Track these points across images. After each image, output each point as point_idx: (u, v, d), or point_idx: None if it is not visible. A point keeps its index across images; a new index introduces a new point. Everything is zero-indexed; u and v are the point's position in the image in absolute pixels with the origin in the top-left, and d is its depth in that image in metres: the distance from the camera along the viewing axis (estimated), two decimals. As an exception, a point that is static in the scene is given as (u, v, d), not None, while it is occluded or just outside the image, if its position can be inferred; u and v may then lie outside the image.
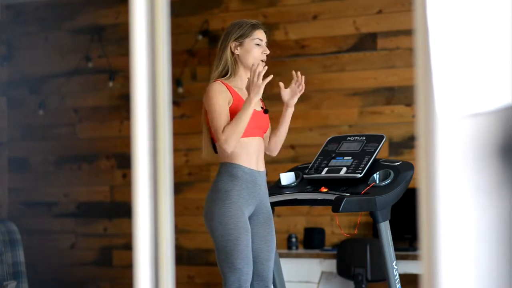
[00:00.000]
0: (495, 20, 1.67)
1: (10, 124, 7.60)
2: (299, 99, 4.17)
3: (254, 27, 4.08)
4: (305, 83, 4.15)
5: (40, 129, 7.48)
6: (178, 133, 6.87)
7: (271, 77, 3.94)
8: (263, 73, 3.92)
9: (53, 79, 7.43)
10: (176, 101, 6.94)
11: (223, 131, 3.91)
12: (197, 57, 6.94)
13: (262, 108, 4.13)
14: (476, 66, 1.67)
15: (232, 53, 4.07)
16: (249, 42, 4.06)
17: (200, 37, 6.90)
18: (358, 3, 6.42)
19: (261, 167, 4.06)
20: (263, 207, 4.06)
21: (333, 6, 6.50)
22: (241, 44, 4.06)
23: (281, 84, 4.12)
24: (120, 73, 7.19)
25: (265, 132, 4.14)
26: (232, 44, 4.06)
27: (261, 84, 3.90)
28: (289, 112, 4.16)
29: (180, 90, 6.93)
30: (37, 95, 7.48)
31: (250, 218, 4.02)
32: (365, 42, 6.40)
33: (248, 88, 3.93)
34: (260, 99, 4.21)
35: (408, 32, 6.24)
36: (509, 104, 1.65)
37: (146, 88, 1.67)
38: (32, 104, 7.47)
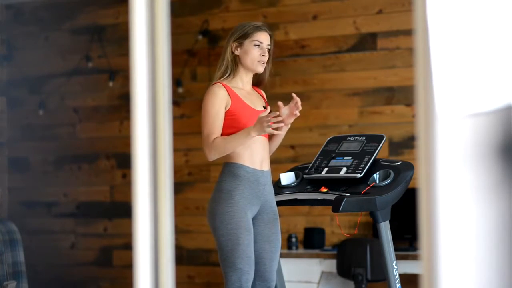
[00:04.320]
0: (495, 20, 1.67)
1: (10, 124, 7.60)
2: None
3: (256, 29, 4.09)
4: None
5: (40, 129, 7.48)
6: (178, 133, 6.87)
7: (279, 132, 3.93)
8: (275, 126, 3.86)
9: (53, 79, 7.43)
10: (176, 101, 6.94)
11: (213, 140, 3.94)
12: (197, 57, 6.94)
13: (264, 107, 4.13)
14: (476, 66, 1.67)
15: (233, 53, 4.08)
16: (248, 44, 4.07)
17: (200, 37, 6.90)
18: (358, 3, 6.42)
19: (265, 166, 4.06)
20: (267, 207, 4.06)
21: (333, 6, 6.50)
22: (241, 45, 4.07)
23: (280, 103, 4.07)
24: (120, 73, 7.19)
25: None
26: (233, 45, 4.07)
27: (267, 131, 3.87)
28: (284, 129, 4.13)
29: (180, 90, 6.93)
30: (37, 95, 7.48)
31: (254, 218, 4.03)
32: (365, 42, 6.40)
33: (256, 123, 3.89)
34: (264, 98, 4.21)
35: (408, 32, 6.24)
36: (509, 104, 1.65)
37: (146, 88, 1.67)
38: (32, 104, 7.47)
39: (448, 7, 1.64)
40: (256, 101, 4.12)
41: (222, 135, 4.00)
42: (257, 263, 4.03)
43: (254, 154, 4.01)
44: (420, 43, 1.61)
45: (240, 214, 3.94)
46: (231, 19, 6.78)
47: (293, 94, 4.09)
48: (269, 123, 3.83)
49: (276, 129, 3.92)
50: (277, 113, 3.88)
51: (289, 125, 4.12)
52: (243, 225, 3.93)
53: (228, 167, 4.01)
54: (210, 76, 6.76)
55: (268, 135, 4.12)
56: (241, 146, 3.95)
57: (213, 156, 3.97)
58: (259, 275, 4.05)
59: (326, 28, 6.52)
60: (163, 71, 1.67)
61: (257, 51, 4.07)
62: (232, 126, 4.00)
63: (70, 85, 7.38)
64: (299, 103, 4.08)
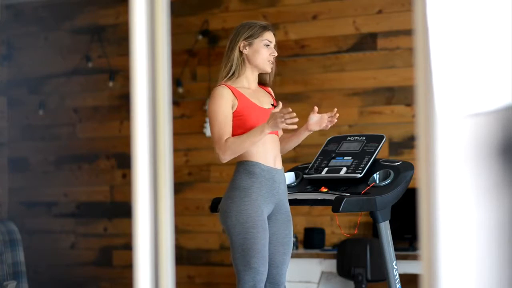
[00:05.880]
0: (495, 21, 1.67)
1: (10, 124, 7.60)
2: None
3: (264, 28, 4.08)
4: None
5: (40, 129, 7.48)
6: (178, 133, 6.87)
7: (294, 127, 3.84)
8: (289, 122, 3.80)
9: (53, 79, 7.43)
10: (176, 101, 6.94)
11: (226, 140, 3.89)
12: (197, 57, 6.94)
13: (272, 105, 4.11)
14: (476, 66, 1.67)
15: (241, 52, 4.05)
16: (258, 43, 4.05)
17: (200, 37, 6.90)
18: (358, 3, 6.42)
19: (278, 164, 4.02)
20: (282, 207, 4.03)
21: (333, 6, 6.50)
22: (250, 44, 4.04)
23: (316, 108, 4.09)
24: (120, 73, 7.19)
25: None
26: (241, 44, 4.04)
27: (281, 127, 3.82)
28: (306, 134, 4.12)
29: (180, 90, 6.93)
30: (37, 95, 7.48)
31: (269, 217, 3.98)
32: (365, 42, 6.40)
33: (269, 119, 3.85)
34: (271, 96, 4.19)
35: (408, 32, 6.24)
36: (509, 104, 1.65)
37: (146, 88, 1.67)
38: (32, 104, 7.47)
39: (448, 7, 1.64)
40: (263, 99, 4.09)
41: (231, 135, 3.97)
42: (269, 265, 3.98)
43: (267, 151, 3.98)
44: (420, 43, 1.61)
45: (257, 212, 3.88)
46: (231, 19, 6.78)
47: (335, 109, 4.10)
48: (283, 119, 3.79)
49: (291, 125, 3.82)
50: (290, 109, 3.82)
51: (311, 131, 4.12)
52: (260, 224, 3.87)
53: (243, 165, 3.96)
54: (210, 76, 6.77)
55: (278, 132, 4.10)
56: (255, 144, 3.90)
57: (227, 157, 3.90)
58: (271, 278, 4.00)
59: (326, 28, 6.52)
60: (163, 71, 1.67)
61: (266, 50, 4.06)
62: (240, 127, 3.96)
63: (70, 85, 7.38)
64: (335, 118, 4.09)
